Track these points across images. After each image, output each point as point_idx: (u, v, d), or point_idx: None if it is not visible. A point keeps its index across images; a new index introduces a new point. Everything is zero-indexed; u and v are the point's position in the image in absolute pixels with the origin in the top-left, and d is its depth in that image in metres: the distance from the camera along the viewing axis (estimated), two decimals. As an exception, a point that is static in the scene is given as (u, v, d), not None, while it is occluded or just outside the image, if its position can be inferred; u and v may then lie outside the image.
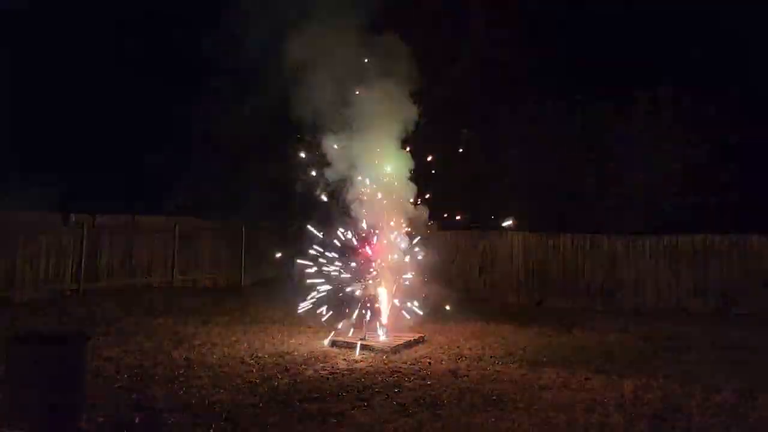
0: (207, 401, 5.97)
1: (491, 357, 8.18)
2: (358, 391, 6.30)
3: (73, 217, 12.62)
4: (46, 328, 9.19)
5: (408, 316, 9.80)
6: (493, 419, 5.46)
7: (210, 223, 16.04)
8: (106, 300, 11.90)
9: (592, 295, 14.04)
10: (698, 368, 7.72)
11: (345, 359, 7.94)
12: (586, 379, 7.05)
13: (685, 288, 13.35)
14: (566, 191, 15.00)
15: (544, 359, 8.11)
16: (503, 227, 14.25)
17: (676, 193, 14.33)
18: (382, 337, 9.10)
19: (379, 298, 9.80)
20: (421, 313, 9.94)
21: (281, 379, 6.85)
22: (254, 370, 7.19)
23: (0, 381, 4.50)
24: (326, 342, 8.91)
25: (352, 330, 9.18)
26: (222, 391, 6.30)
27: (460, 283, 15.45)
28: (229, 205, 16.58)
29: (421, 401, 5.99)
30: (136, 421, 5.31)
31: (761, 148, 14.65)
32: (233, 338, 9.12)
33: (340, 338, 9.01)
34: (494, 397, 6.18)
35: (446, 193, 16.30)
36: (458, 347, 8.83)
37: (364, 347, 8.53)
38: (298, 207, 17.85)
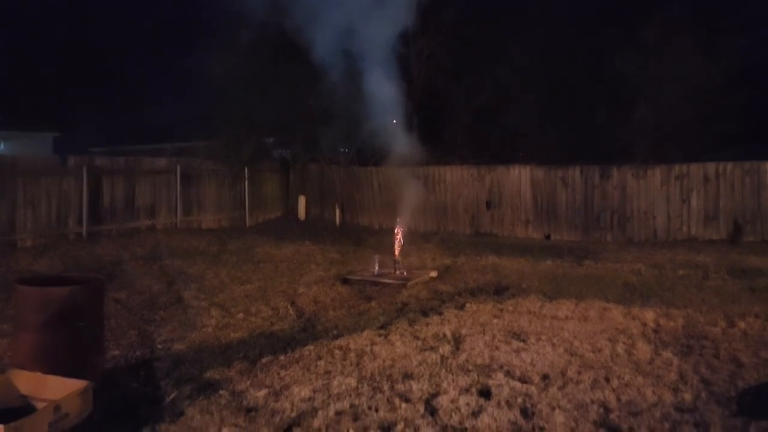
0: (224, 340, 5.87)
1: (507, 290, 8.06)
2: (376, 327, 6.19)
3: (71, 160, 12.30)
4: (53, 272, 9.06)
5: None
6: (516, 351, 5.34)
7: (212, 163, 15.74)
8: (110, 243, 11.77)
9: (602, 227, 13.91)
10: (718, 296, 7.61)
11: (358, 296, 7.82)
12: (605, 309, 6.94)
13: (697, 217, 13.20)
14: (576, 120, 14.58)
15: (561, 291, 8.00)
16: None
17: (688, 120, 13.93)
18: (394, 273, 8.95)
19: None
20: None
21: (296, 318, 6.73)
22: (267, 309, 7.07)
23: (21, 324, 4.35)
24: (338, 280, 8.79)
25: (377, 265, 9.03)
26: (238, 330, 6.19)
27: (468, 218, 15.32)
28: (232, 145, 16.24)
29: (441, 335, 5.87)
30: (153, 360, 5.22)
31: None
32: (243, 278, 9.00)
33: (352, 275, 8.89)
34: (515, 330, 6.07)
35: (452, 126, 15.99)
36: (473, 281, 8.72)
37: (377, 284, 8.41)
38: (304, 145, 17.53)
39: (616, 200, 13.83)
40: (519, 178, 14.82)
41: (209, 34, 16.70)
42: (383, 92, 11.15)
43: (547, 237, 14.31)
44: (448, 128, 16.18)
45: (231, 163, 15.90)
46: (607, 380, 4.60)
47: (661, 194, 13.48)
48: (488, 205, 15.11)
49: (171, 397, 4.38)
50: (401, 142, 11.94)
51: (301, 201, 17.68)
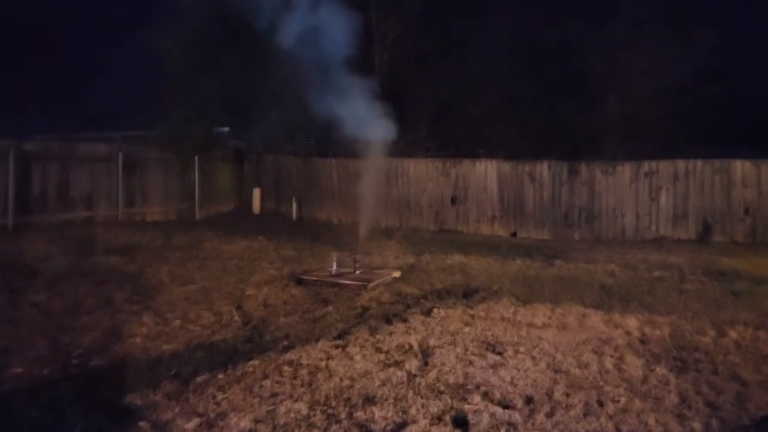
0: (152, 353, 5.01)
1: (477, 292, 7.40)
2: (332, 337, 5.42)
3: (-4, 144, 11.10)
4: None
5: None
6: (493, 367, 4.67)
7: (159, 151, 14.63)
8: (39, 236, 10.63)
9: (569, 225, 13.45)
10: (700, 301, 7.12)
11: (314, 299, 7.03)
12: (584, 315, 6.35)
13: (666, 216, 12.86)
14: (544, 114, 14.06)
15: (534, 294, 7.39)
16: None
17: (658, 116, 13.59)
18: (354, 273, 8.19)
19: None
20: None
21: (242, 326, 5.90)
22: (209, 314, 6.23)
23: None
24: (292, 280, 7.98)
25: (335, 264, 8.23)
26: (172, 340, 5.33)
27: (432, 213, 14.69)
28: (180, 130, 15.16)
29: (407, 347, 5.16)
30: (62, 377, 4.34)
31: (746, 71, 13.98)
32: (185, 277, 8.09)
33: (307, 275, 8.09)
34: (490, 340, 5.40)
35: (417, 116, 15.30)
36: (440, 282, 8.02)
37: (335, 285, 7.64)
38: (259, 133, 16.58)
39: (584, 197, 13.40)
40: (485, 173, 14.24)
41: (159, 12, 15.61)
42: (343, 79, 10.40)
43: (514, 234, 13.79)
44: (412, 119, 15.44)
45: (179, 151, 14.83)
46: (601, 404, 3.96)
47: (630, 192, 13.10)
48: (453, 200, 14.49)
49: (76, 431, 3.53)
50: (363, 132, 11.19)
51: (256, 193, 16.73)
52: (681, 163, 12.79)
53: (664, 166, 12.90)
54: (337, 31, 9.21)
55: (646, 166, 13.02)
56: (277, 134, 16.63)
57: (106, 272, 8.21)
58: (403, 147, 15.37)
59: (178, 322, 5.88)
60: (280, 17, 9.22)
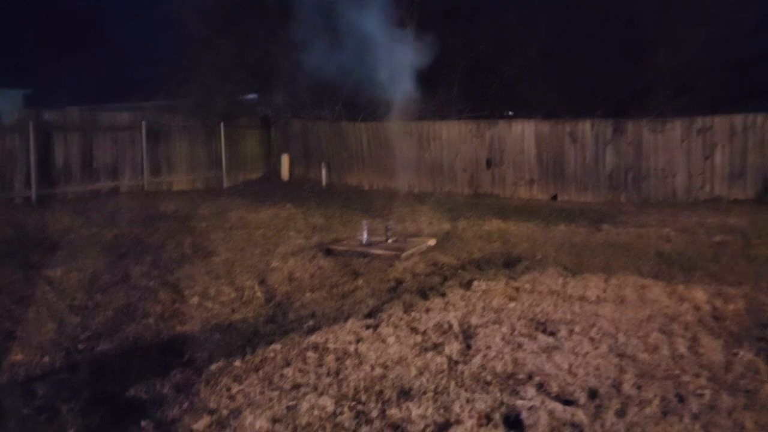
0: (166, 335, 4.56)
1: (519, 262, 6.77)
2: (363, 315, 4.89)
3: (15, 114, 10.76)
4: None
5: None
6: (546, 351, 4.07)
7: (183, 119, 14.18)
8: (63, 208, 10.36)
9: (614, 187, 12.59)
10: (773, 268, 6.36)
11: (343, 271, 6.51)
12: (643, 287, 5.67)
13: (721, 174, 11.89)
14: (586, 69, 13.04)
15: (583, 263, 6.73)
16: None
17: (712, 67, 12.46)
18: (386, 242, 7.62)
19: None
20: None
21: (264, 303, 5.41)
22: (230, 290, 5.76)
23: None
24: (320, 250, 7.46)
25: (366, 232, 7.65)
26: (188, 321, 4.88)
27: (466, 177, 13.99)
28: (203, 100, 14.67)
29: (446, 327, 4.59)
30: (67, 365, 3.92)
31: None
32: (209, 248, 7.66)
33: (336, 245, 7.57)
34: (539, 317, 4.79)
35: (448, 78, 14.47)
36: (478, 251, 7.41)
37: (365, 255, 7.10)
38: (286, 98, 15.99)
39: (630, 157, 12.48)
40: (522, 134, 13.41)
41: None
42: (372, 38, 9.74)
43: (554, 198, 13.01)
44: (443, 79, 14.61)
45: (204, 118, 14.35)
46: (681, 399, 3.33)
47: (681, 150, 12.14)
48: (489, 163, 13.73)
49: (70, 432, 3.09)
50: (393, 94, 10.55)
51: (284, 160, 16.23)
52: (738, 118, 11.75)
53: (719, 122, 11.88)
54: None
55: (699, 122, 12.02)
56: (305, 99, 16.01)
57: (127, 245, 7.84)
58: (435, 109, 14.63)
59: (195, 300, 5.43)
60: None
